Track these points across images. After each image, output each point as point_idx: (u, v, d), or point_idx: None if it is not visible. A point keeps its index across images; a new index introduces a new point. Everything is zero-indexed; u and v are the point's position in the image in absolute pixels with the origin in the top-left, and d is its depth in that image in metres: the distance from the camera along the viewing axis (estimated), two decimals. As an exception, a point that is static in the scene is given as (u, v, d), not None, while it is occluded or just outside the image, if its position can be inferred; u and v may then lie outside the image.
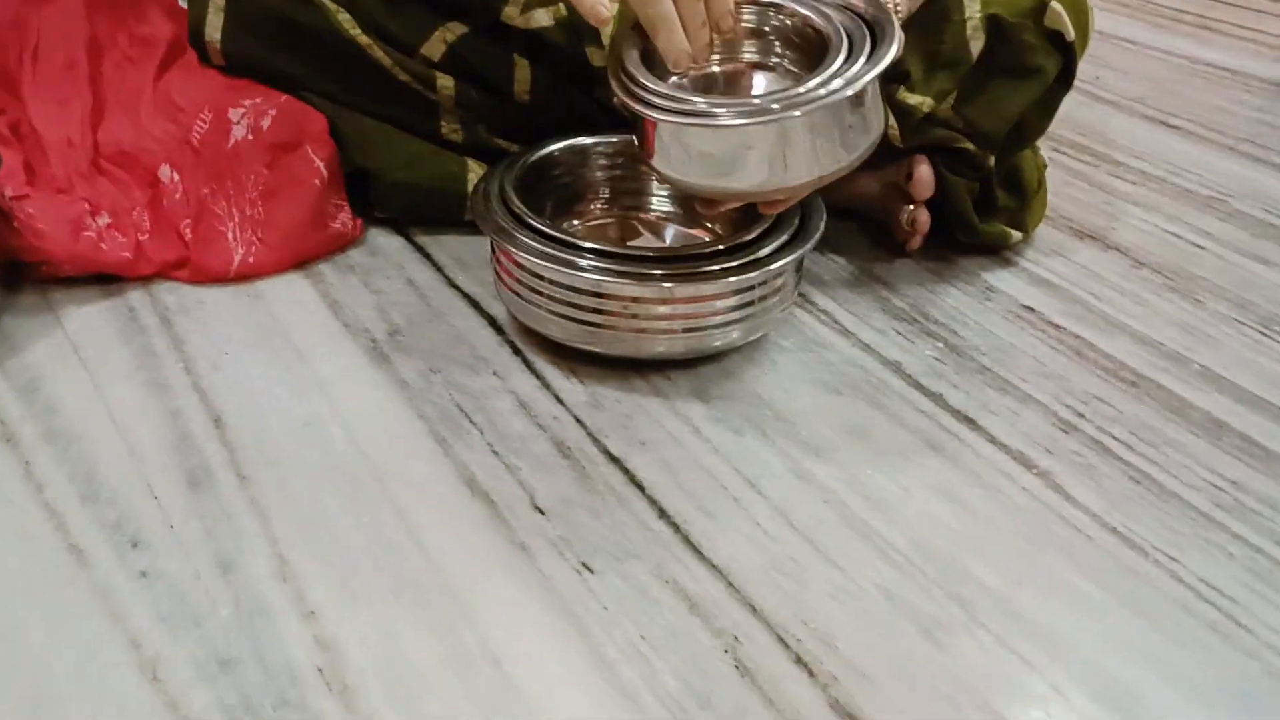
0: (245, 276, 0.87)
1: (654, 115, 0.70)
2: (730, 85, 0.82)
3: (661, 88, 0.72)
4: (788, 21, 0.79)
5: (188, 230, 0.87)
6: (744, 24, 0.80)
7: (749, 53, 0.82)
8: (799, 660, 0.58)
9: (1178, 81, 1.38)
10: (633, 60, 0.75)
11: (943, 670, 0.59)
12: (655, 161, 0.74)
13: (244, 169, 0.88)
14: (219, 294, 0.86)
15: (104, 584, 0.61)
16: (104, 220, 0.86)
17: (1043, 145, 1.05)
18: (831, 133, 0.70)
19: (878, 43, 0.72)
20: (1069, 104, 0.93)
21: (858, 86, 0.69)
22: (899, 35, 0.72)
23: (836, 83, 0.70)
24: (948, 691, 0.57)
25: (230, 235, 0.87)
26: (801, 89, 0.70)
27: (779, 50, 0.81)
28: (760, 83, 0.81)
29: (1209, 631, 0.62)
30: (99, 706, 0.54)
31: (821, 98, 0.69)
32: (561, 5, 0.91)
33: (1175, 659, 0.60)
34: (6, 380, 0.76)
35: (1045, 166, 1.01)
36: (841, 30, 0.74)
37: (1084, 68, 1.10)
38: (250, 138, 0.88)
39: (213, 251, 0.87)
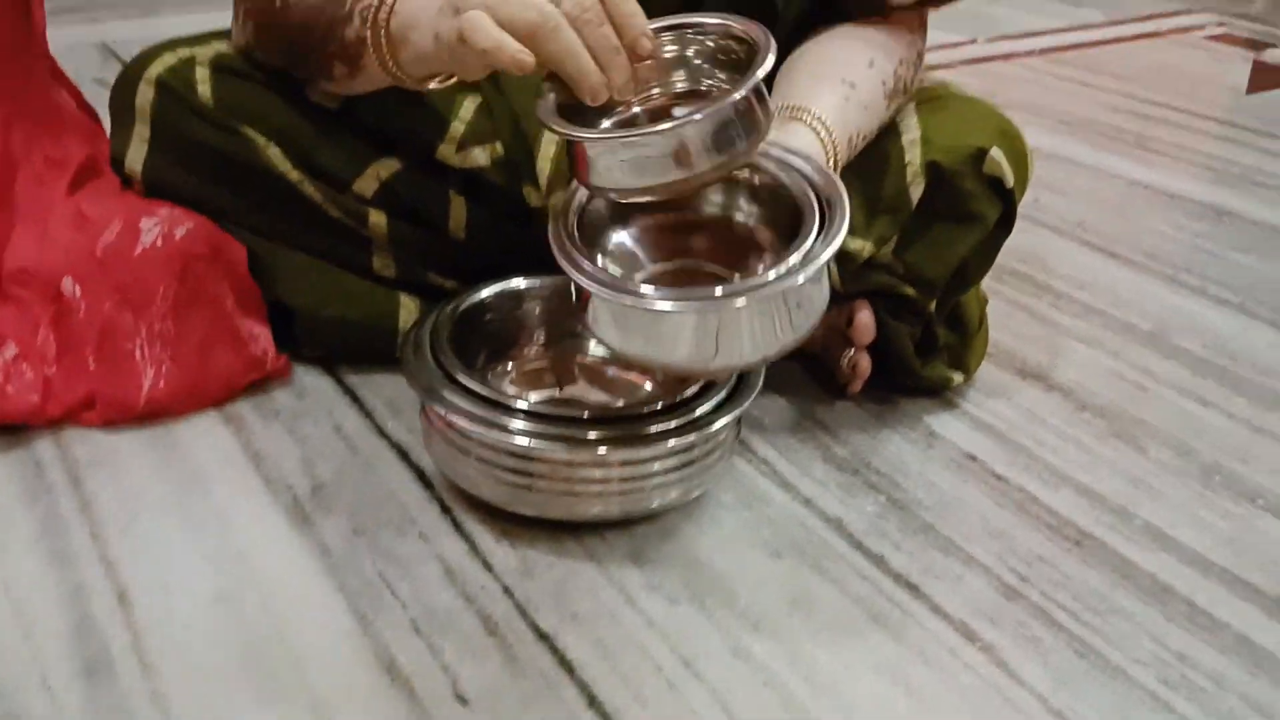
0: (158, 408, 0.83)
1: (592, 288, 0.68)
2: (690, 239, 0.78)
3: (600, 270, 0.69)
4: (755, 180, 0.75)
5: (92, 359, 0.83)
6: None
7: (710, 205, 0.78)
8: None
9: (1118, 204, 1.40)
10: (573, 208, 0.72)
11: None
12: (591, 328, 0.71)
13: (152, 278, 0.84)
14: (133, 442, 0.82)
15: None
16: (10, 351, 0.82)
17: (985, 278, 1.05)
18: (776, 316, 0.67)
19: (828, 218, 0.70)
20: (1010, 229, 0.93)
21: (809, 272, 0.66)
22: (848, 214, 0.69)
23: (783, 270, 0.66)
24: None
25: (138, 353, 0.83)
26: (746, 280, 0.68)
27: (744, 206, 0.77)
28: (724, 241, 0.77)
29: (1160, 833, 0.59)
30: None
31: (766, 285, 0.66)
32: (498, 144, 0.89)
33: None
34: (-101, 548, 0.71)
35: (987, 302, 1.00)
36: (814, 205, 0.70)
37: (1025, 193, 1.10)
38: (160, 244, 0.84)
39: (121, 375, 0.83)
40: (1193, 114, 1.74)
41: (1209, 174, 1.50)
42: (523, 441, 0.72)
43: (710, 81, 0.75)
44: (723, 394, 0.77)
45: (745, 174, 0.75)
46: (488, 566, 0.74)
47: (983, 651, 0.70)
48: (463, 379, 0.75)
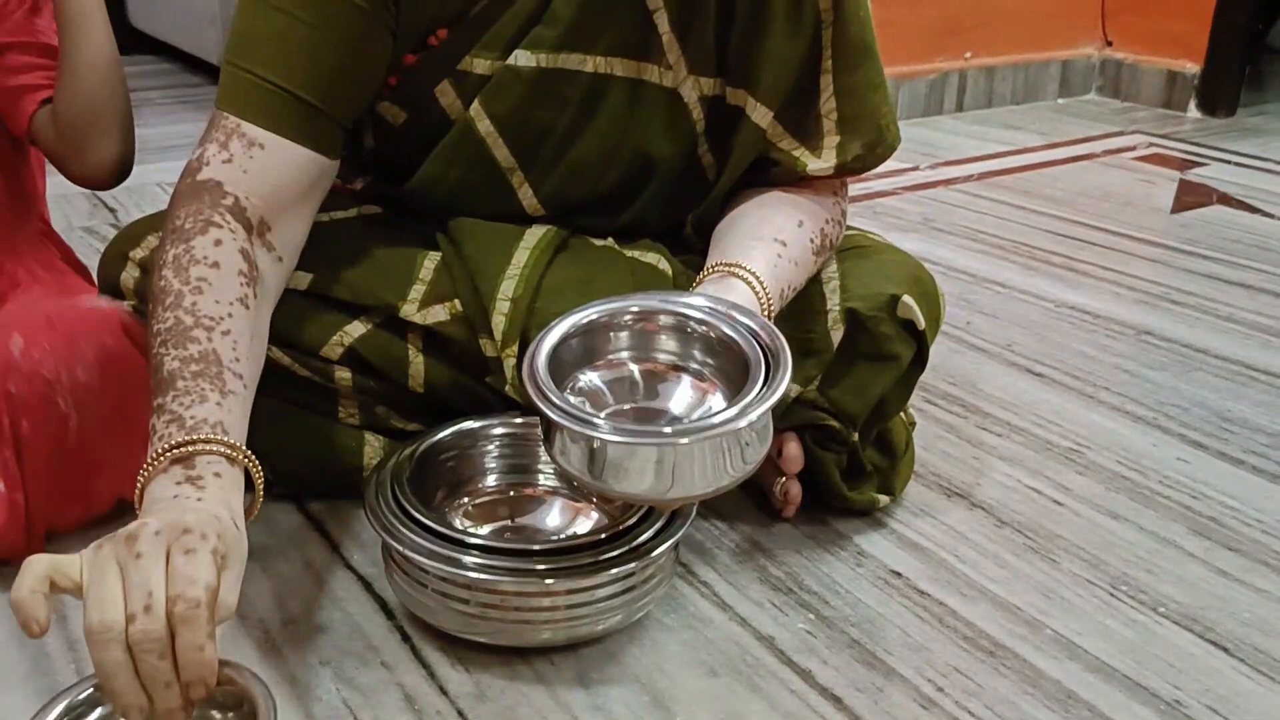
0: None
1: (563, 422, 0.75)
2: (649, 385, 0.86)
3: (569, 402, 0.77)
4: (710, 334, 0.84)
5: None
6: (663, 324, 0.85)
7: (666, 354, 0.86)
8: None
9: (1046, 326, 1.49)
10: (542, 363, 0.80)
11: None
12: (558, 459, 0.78)
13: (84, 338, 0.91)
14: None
15: None
16: None
17: (914, 399, 1.13)
18: (727, 453, 0.76)
19: (772, 369, 0.78)
20: (942, 352, 1.02)
21: (754, 416, 0.75)
22: (790, 366, 0.78)
23: (733, 413, 0.75)
24: None
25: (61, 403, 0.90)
26: (708, 417, 0.76)
27: (698, 357, 0.85)
28: (677, 388, 0.86)
29: None
30: None
31: (717, 426, 0.74)
32: (456, 301, 0.97)
33: None
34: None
35: (913, 424, 1.09)
36: (760, 356, 0.79)
37: (957, 313, 1.19)
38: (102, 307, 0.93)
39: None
40: (1120, 235, 1.85)
41: (1132, 295, 1.60)
42: (475, 575, 0.79)
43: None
44: (661, 521, 0.85)
45: (700, 328, 0.83)
46: (444, 692, 0.80)
47: (899, 760, 0.76)
48: (420, 516, 0.82)
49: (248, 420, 0.75)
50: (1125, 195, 2.08)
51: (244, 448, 0.71)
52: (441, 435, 0.93)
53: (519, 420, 0.95)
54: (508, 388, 0.94)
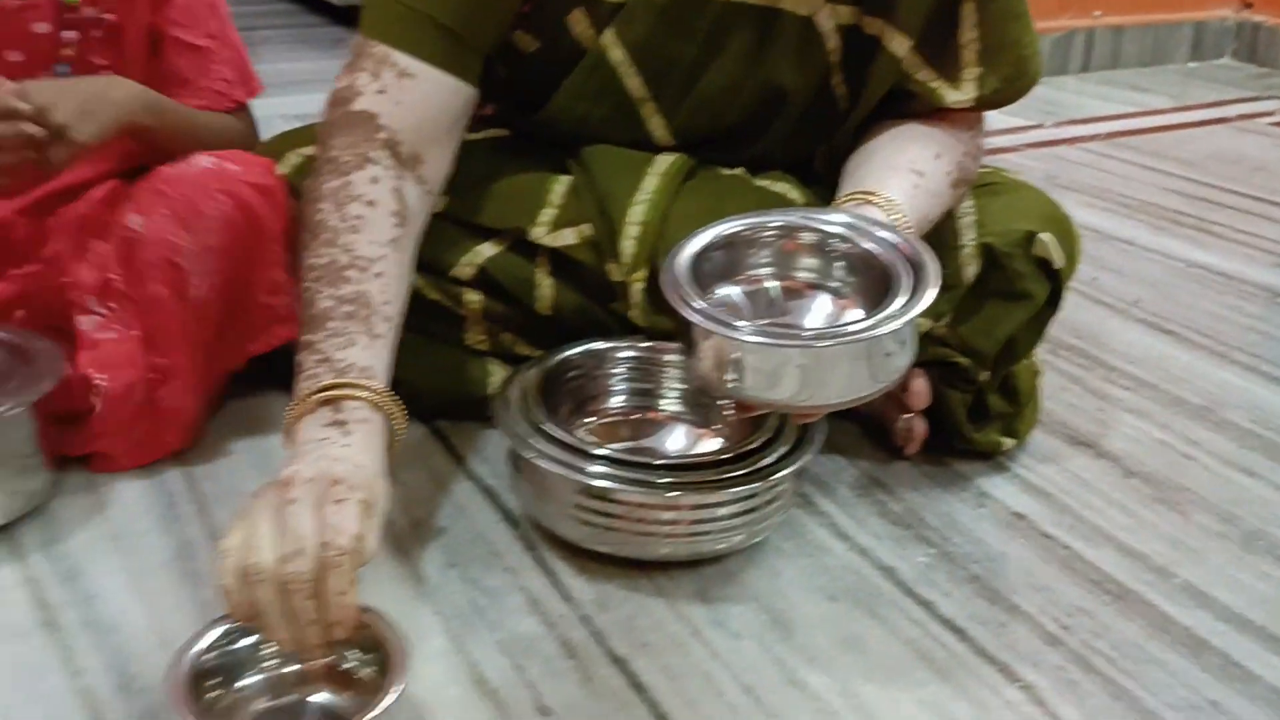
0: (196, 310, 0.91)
1: (707, 325, 0.75)
2: (787, 301, 0.85)
3: (714, 307, 0.76)
4: (851, 250, 0.82)
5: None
6: (804, 243, 0.84)
7: (805, 272, 0.85)
8: None
9: (1174, 285, 1.45)
10: (684, 270, 0.79)
11: None
12: (695, 364, 0.78)
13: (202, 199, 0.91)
14: (249, 479, 0.91)
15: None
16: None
17: (1039, 350, 1.11)
18: (867, 362, 0.75)
19: (919, 281, 0.77)
20: (1067, 306, 0.99)
21: (896, 326, 0.74)
22: (937, 278, 0.77)
23: (874, 319, 0.74)
24: None
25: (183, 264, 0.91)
26: (850, 324, 0.76)
27: (838, 275, 0.83)
28: (815, 304, 0.84)
29: None
30: None
31: (858, 333, 0.74)
32: (586, 225, 0.97)
33: None
34: (51, 565, 0.81)
35: (1039, 374, 1.07)
36: (903, 269, 0.78)
37: (1083, 269, 1.16)
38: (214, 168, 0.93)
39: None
40: (1254, 198, 1.79)
41: (1266, 257, 1.55)
42: (602, 484, 0.80)
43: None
44: (785, 448, 0.85)
45: (841, 245, 0.82)
46: (567, 598, 0.81)
47: (1022, 690, 0.75)
48: (549, 428, 0.84)
49: (393, 360, 0.78)
50: (1260, 160, 2.01)
51: (389, 392, 0.74)
52: (570, 353, 0.94)
53: (645, 345, 0.96)
54: (633, 312, 0.95)
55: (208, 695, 0.65)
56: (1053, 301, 0.96)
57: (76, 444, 0.90)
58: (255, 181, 0.93)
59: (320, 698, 0.68)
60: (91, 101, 0.89)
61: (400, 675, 0.63)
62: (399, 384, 0.98)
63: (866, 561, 0.87)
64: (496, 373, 1.00)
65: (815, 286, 0.83)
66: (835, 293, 0.83)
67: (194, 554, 0.83)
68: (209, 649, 0.66)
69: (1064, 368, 1.20)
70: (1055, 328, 1.25)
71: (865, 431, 1.03)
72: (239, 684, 0.67)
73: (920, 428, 0.97)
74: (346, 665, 0.68)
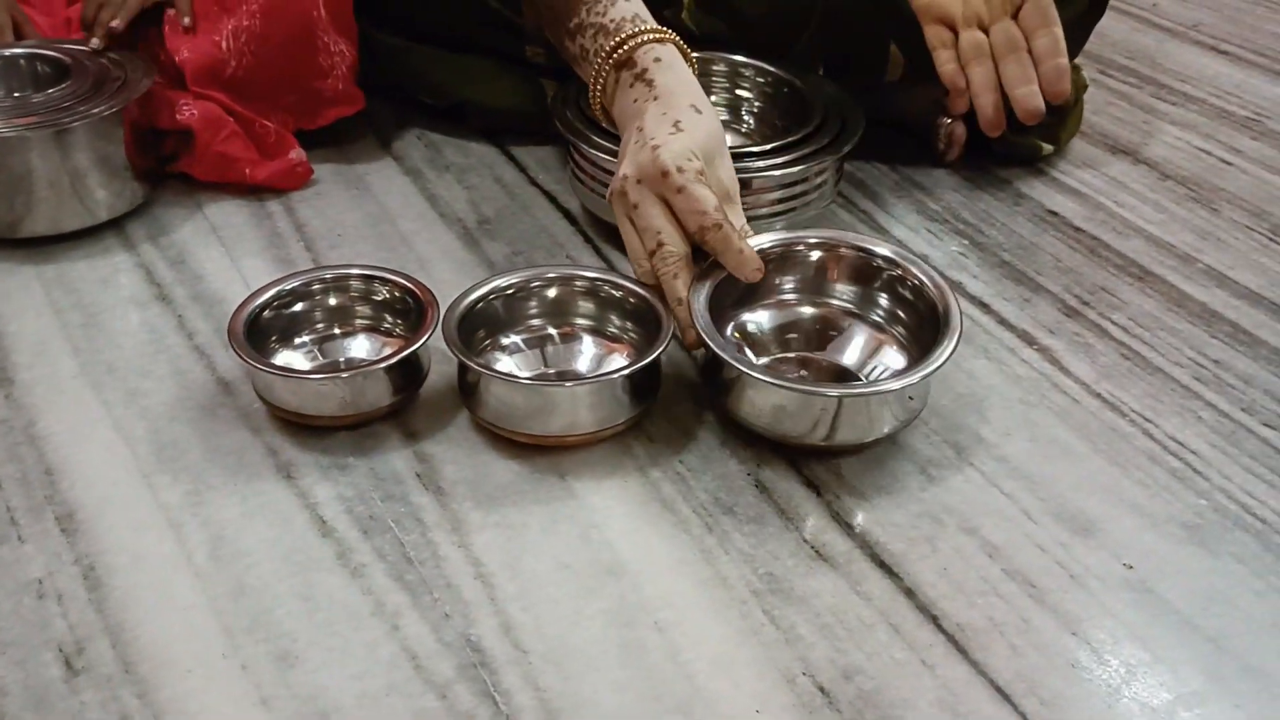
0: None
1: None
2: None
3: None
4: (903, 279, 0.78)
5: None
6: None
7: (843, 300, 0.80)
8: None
9: (1241, 9, 1.43)
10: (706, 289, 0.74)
11: (933, 497, 0.70)
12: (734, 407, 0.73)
13: None
14: (331, 185, 0.99)
15: (246, 408, 0.75)
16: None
17: (1088, 67, 1.13)
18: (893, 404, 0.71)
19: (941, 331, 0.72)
20: (1122, 30, 1.01)
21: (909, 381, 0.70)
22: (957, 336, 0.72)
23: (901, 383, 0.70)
24: (935, 513, 0.68)
25: (224, 44, 0.94)
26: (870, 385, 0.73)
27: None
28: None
29: (1170, 477, 0.72)
30: (245, 497, 0.68)
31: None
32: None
33: (1136, 496, 0.70)
34: (160, 253, 0.90)
35: (1086, 87, 1.09)
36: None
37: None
38: None
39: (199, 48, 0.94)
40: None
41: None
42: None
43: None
44: (825, 140, 0.90)
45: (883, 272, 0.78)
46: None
47: (1039, 352, 0.82)
48: (607, 126, 0.89)
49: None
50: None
51: (665, 28, 0.79)
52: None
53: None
54: (684, 14, 0.99)
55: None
56: (1097, 5, 0.98)
57: (166, 161, 0.97)
58: None
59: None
60: None
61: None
62: (469, 104, 1.05)
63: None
64: (552, 89, 1.05)
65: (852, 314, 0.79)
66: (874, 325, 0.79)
67: (284, 243, 0.91)
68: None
69: (1112, 85, 1.22)
70: (1108, 49, 1.26)
71: (905, 141, 1.07)
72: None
73: (960, 131, 1.01)
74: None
